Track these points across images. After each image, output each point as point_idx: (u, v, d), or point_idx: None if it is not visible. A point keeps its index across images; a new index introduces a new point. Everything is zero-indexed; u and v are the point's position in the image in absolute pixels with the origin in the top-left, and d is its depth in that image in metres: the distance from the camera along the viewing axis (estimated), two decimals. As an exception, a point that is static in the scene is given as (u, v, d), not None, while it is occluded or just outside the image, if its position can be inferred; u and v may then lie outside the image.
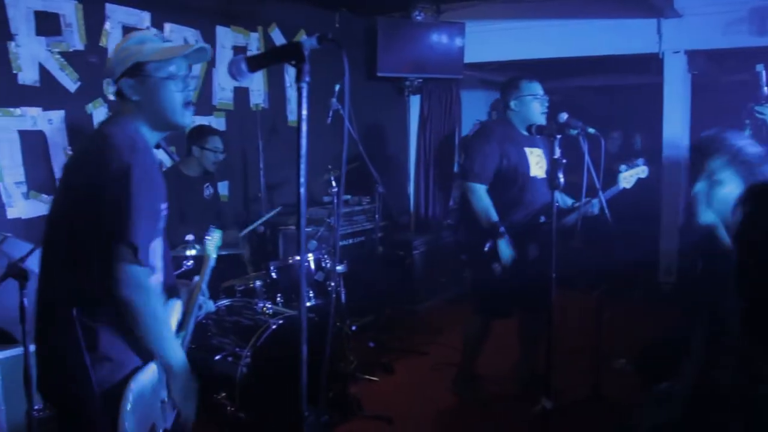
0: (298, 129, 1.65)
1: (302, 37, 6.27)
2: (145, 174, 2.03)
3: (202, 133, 4.75)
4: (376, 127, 7.29)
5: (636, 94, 8.42)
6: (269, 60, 1.74)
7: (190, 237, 3.82)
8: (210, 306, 2.64)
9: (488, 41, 7.15)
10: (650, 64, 6.97)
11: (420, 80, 7.37)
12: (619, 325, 5.19)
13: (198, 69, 5.39)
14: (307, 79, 1.66)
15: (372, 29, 6.96)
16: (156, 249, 2.20)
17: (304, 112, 1.64)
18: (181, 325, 2.43)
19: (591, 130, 3.75)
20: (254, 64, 1.74)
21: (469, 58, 7.16)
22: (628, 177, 4.30)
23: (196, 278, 2.63)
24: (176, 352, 2.18)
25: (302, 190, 1.68)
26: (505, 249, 4.04)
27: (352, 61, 7.11)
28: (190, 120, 2.25)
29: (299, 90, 1.65)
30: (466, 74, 7.52)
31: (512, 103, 4.20)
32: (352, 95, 5.52)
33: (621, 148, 7.56)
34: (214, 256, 2.76)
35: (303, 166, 1.65)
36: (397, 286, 6.42)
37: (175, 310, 2.40)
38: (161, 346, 2.12)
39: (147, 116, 2.18)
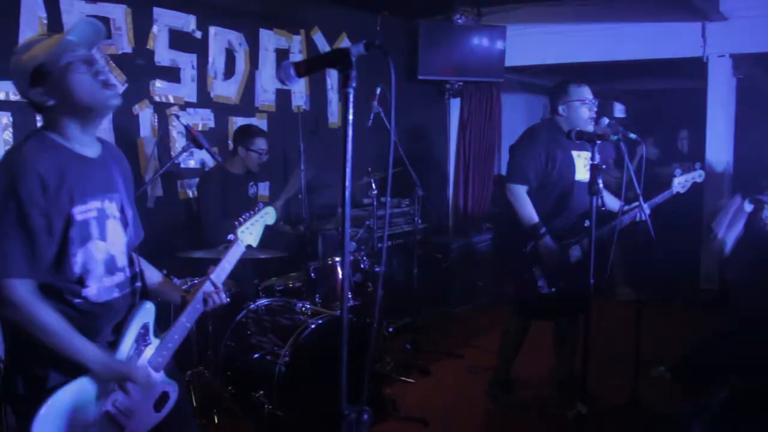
0: (344, 133, 1.68)
1: (344, 40, 6.34)
2: (7, 198, 1.98)
3: (248, 133, 4.80)
4: (416, 130, 7.31)
5: (680, 98, 8.33)
6: (317, 65, 1.77)
7: (231, 236, 3.87)
8: (220, 299, 2.51)
9: (529, 44, 7.14)
10: (694, 68, 6.90)
11: (460, 83, 7.38)
12: (659, 333, 5.15)
13: (218, 58, 5.48)
14: (354, 84, 1.68)
15: (413, 32, 6.99)
16: (90, 254, 2.16)
17: (351, 117, 1.66)
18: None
19: (632, 136, 3.73)
20: (302, 69, 1.77)
21: (510, 62, 7.16)
22: (683, 181, 4.26)
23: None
24: (86, 354, 2.11)
25: (347, 193, 1.71)
26: (548, 250, 4.02)
27: (394, 63, 7.17)
28: (117, 100, 2.18)
29: (346, 95, 1.67)
30: (507, 77, 7.51)
31: (560, 108, 4.17)
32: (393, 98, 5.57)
33: (664, 152, 7.45)
34: (247, 243, 2.66)
35: (348, 170, 1.68)
36: (435, 288, 6.44)
37: (144, 314, 2.35)
38: (69, 353, 2.08)
39: (70, 113, 2.12)
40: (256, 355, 3.95)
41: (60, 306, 2.11)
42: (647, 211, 3.98)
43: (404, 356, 5.26)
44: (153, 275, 2.62)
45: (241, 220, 2.61)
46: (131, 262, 2.38)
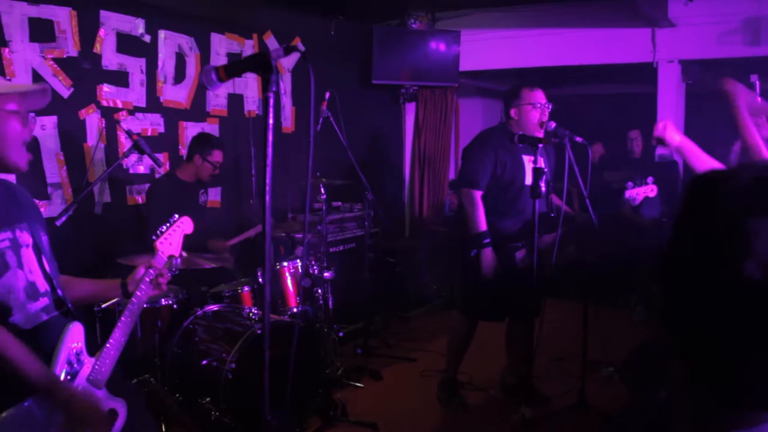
0: (265, 138, 1.67)
1: (298, 45, 6.32)
2: None
3: (209, 143, 4.76)
4: (371, 134, 7.33)
5: (632, 102, 8.45)
6: (239, 69, 1.77)
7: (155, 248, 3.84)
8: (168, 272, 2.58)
9: (483, 49, 7.19)
10: (646, 74, 7.00)
11: (415, 88, 7.41)
12: (610, 333, 5.20)
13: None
14: (274, 88, 1.68)
15: (368, 37, 7.00)
16: (10, 284, 2.16)
17: (271, 121, 1.66)
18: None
19: (578, 139, 3.77)
20: (224, 73, 1.77)
21: (464, 66, 7.20)
22: (635, 195, 4.28)
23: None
24: (33, 370, 2.09)
25: (267, 198, 1.70)
26: (487, 261, 4.06)
27: (348, 68, 7.21)
28: (26, 164, 2.23)
29: (266, 99, 1.67)
30: (462, 82, 7.56)
31: (512, 111, 4.19)
32: (347, 102, 5.61)
33: (614, 155, 7.53)
34: (168, 254, 2.65)
35: (269, 176, 1.68)
36: (388, 292, 6.44)
37: (72, 335, 2.31)
38: (15, 369, 2.06)
39: None
40: (203, 362, 3.92)
41: None
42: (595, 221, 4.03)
43: (355, 361, 5.25)
44: (84, 285, 2.61)
45: (158, 233, 2.61)
46: (53, 286, 2.35)
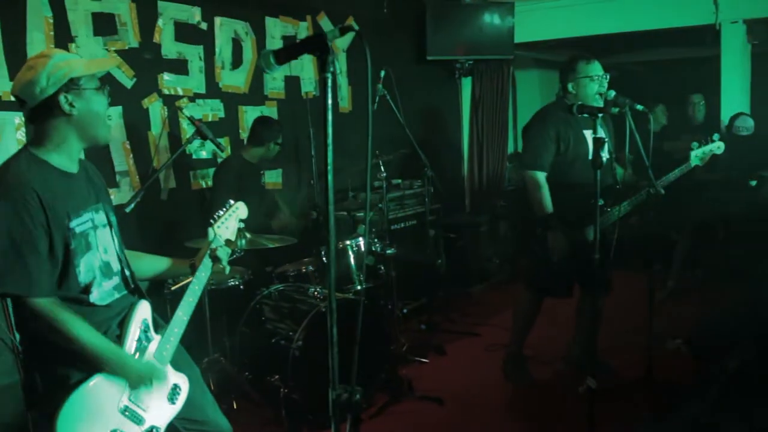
0: (324, 120, 1.69)
1: (352, 24, 6.33)
2: (10, 217, 2.10)
3: (278, 130, 5.00)
4: (428, 111, 7.31)
5: (693, 67, 8.22)
6: (295, 52, 1.79)
7: (241, 224, 3.92)
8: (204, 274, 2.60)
9: (539, 20, 7.10)
10: (707, 36, 6.79)
11: (471, 62, 7.34)
12: (679, 304, 5.13)
13: (248, 60, 5.51)
14: (332, 69, 1.70)
15: (421, 13, 6.96)
16: (90, 263, 2.29)
17: (329, 102, 1.68)
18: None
19: (639, 107, 3.69)
20: (281, 56, 1.80)
21: (519, 38, 7.12)
22: (701, 153, 4.21)
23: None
24: (121, 361, 2.26)
25: (330, 177, 1.73)
26: (556, 243, 4.01)
27: (402, 45, 7.17)
28: (110, 134, 2.39)
29: (324, 80, 1.69)
30: (518, 54, 7.46)
31: (569, 85, 4.11)
32: (402, 79, 5.59)
33: (674, 123, 7.30)
34: (225, 238, 2.70)
35: (330, 156, 1.70)
36: (450, 268, 6.45)
37: (141, 312, 2.45)
38: (103, 363, 2.22)
39: (78, 129, 2.25)
40: (270, 341, 4.01)
41: (71, 308, 2.21)
42: (661, 189, 3.95)
43: (419, 337, 5.29)
44: (154, 262, 2.73)
45: (215, 217, 2.68)
46: (123, 266, 2.49)
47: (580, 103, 3.57)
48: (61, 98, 2.19)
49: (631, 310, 4.37)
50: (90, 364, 2.21)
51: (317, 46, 1.69)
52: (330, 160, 1.71)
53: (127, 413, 2.30)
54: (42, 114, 2.23)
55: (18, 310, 2.21)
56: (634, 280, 4.24)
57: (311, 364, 3.79)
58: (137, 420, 2.33)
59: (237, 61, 5.48)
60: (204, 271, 2.57)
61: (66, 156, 2.28)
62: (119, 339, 2.36)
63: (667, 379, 4.20)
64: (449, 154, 7.72)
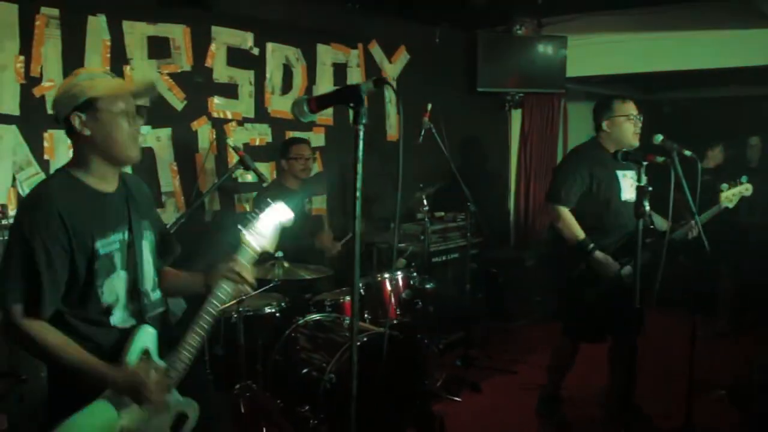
0: (354, 171, 1.69)
1: (403, 54, 6.36)
2: (24, 233, 2.12)
3: (283, 146, 4.93)
4: (476, 142, 7.28)
5: (750, 106, 8.03)
6: (330, 102, 1.81)
7: (279, 254, 3.94)
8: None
9: (592, 54, 6.99)
10: (765, 76, 6.63)
11: (521, 95, 7.29)
12: (727, 350, 4.97)
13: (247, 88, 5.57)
14: (364, 121, 1.70)
15: (472, 44, 6.95)
16: (114, 285, 2.28)
17: (360, 155, 1.68)
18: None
19: (687, 153, 3.62)
20: (315, 105, 1.81)
21: (572, 72, 7.04)
22: (731, 196, 4.15)
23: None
24: (100, 368, 2.19)
25: (357, 223, 1.72)
26: (602, 262, 3.95)
27: (452, 75, 7.17)
28: (139, 154, 2.33)
29: (356, 132, 1.69)
30: (571, 88, 7.38)
31: (604, 124, 4.10)
32: (451, 110, 5.57)
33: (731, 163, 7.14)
34: (260, 247, 2.51)
35: (358, 206, 1.70)
36: (489, 303, 6.38)
37: (143, 338, 2.37)
38: (85, 372, 2.17)
39: (99, 150, 2.25)
40: (303, 370, 4.00)
41: (87, 329, 2.24)
42: (696, 229, 3.89)
43: (455, 372, 5.22)
44: (173, 278, 2.67)
45: (247, 220, 2.51)
46: (154, 287, 2.48)
47: (624, 150, 3.51)
48: (74, 119, 2.20)
49: (674, 355, 4.25)
50: (86, 386, 2.19)
51: (351, 97, 1.70)
52: (358, 211, 1.70)
53: None
54: (68, 133, 2.26)
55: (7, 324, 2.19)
56: (678, 323, 4.13)
57: (342, 397, 3.77)
58: None
59: (287, 87, 5.55)
60: (218, 298, 2.42)
61: (97, 175, 2.29)
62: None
63: (707, 429, 4.08)
64: (496, 187, 7.66)
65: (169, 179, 4.81)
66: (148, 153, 4.69)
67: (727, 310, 6.31)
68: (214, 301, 2.42)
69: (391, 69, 6.37)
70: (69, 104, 2.20)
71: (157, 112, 4.70)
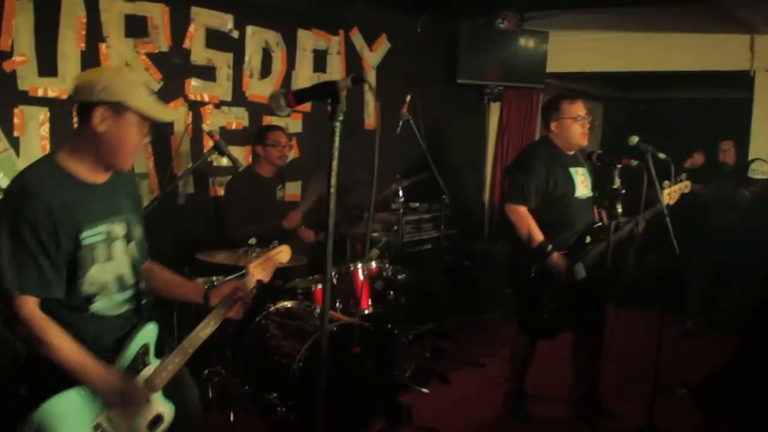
0: (329, 167, 1.68)
1: (384, 42, 6.33)
2: (14, 222, 2.11)
3: (259, 132, 4.88)
4: (453, 133, 7.27)
5: (724, 108, 8.13)
6: (307, 97, 1.80)
7: (253, 240, 3.92)
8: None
9: (572, 51, 7.05)
10: (740, 80, 6.71)
11: (501, 88, 7.30)
12: (686, 350, 5.03)
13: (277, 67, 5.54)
14: (341, 118, 1.69)
15: (454, 35, 6.95)
16: (98, 275, 2.29)
17: (336, 152, 1.67)
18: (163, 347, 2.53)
19: (661, 155, 3.66)
20: (293, 100, 1.79)
21: (552, 68, 7.07)
22: (672, 192, 4.20)
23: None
24: (94, 376, 2.21)
25: (330, 221, 1.72)
26: (558, 265, 3.97)
27: (433, 66, 7.13)
28: (130, 166, 2.37)
29: (332, 129, 1.68)
30: (550, 83, 7.42)
31: (552, 125, 4.13)
32: (430, 100, 5.55)
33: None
34: (257, 279, 2.74)
35: (333, 202, 1.69)
36: (461, 295, 6.40)
37: (145, 335, 2.46)
38: (77, 374, 2.19)
39: (101, 148, 2.25)
40: (272, 358, 4.00)
41: (69, 315, 2.25)
42: (641, 225, 3.92)
43: (424, 363, 5.24)
44: (168, 279, 2.72)
45: (256, 254, 2.74)
46: (140, 279, 2.50)
47: (598, 152, 3.55)
48: (98, 111, 2.20)
49: (641, 354, 4.29)
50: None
51: (328, 94, 1.69)
52: (332, 207, 1.70)
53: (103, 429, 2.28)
54: (80, 117, 2.26)
55: (6, 314, 2.21)
56: (645, 321, 4.18)
57: (310, 386, 3.78)
58: None
59: (266, 71, 5.50)
60: (218, 316, 2.57)
61: (89, 167, 2.29)
62: (115, 355, 2.35)
63: (669, 429, 4.14)
64: (471, 179, 7.68)
65: (142, 160, 4.76)
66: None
67: (695, 309, 6.39)
68: (214, 318, 2.55)
69: (372, 57, 6.34)
70: (100, 96, 2.19)
71: (132, 93, 4.64)
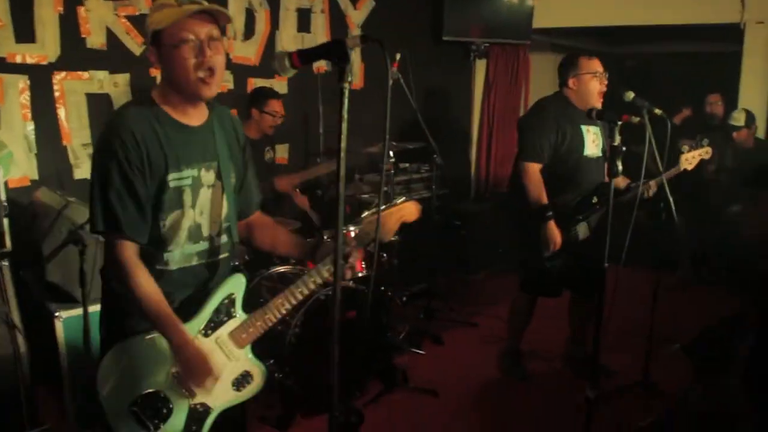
0: (339, 130, 1.62)
1: (369, 1, 6.20)
2: (107, 158, 2.06)
3: (261, 95, 4.77)
4: (440, 92, 7.18)
5: (713, 61, 8.08)
6: (313, 57, 1.71)
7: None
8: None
9: (559, 6, 6.95)
10: (730, 33, 6.66)
11: (486, 44, 7.19)
12: (679, 307, 5.06)
13: (259, 32, 5.41)
14: (350, 79, 1.62)
15: (439, -9, 6.82)
16: (177, 221, 2.19)
17: (345, 114, 1.60)
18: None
19: (657, 111, 3.61)
20: (298, 60, 1.72)
21: (538, 23, 6.98)
22: (690, 158, 4.18)
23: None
24: (169, 330, 2.15)
25: (341, 186, 1.67)
26: (551, 235, 3.97)
27: (418, 24, 6.99)
28: (210, 91, 2.12)
29: (341, 90, 1.61)
30: (536, 38, 7.32)
31: (570, 81, 4.08)
32: (416, 59, 5.45)
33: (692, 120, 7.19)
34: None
35: (342, 170, 1.64)
36: (452, 255, 6.39)
37: (231, 285, 2.35)
38: (155, 322, 2.14)
39: (173, 85, 2.13)
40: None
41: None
42: (653, 189, 3.99)
43: (418, 325, 5.24)
44: (272, 233, 2.60)
45: (372, 210, 2.46)
46: (220, 232, 2.34)
47: (598, 109, 3.48)
48: (150, 53, 2.13)
49: (636, 309, 4.31)
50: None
51: (336, 53, 1.61)
52: (342, 172, 1.64)
53: (175, 379, 2.22)
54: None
55: (105, 253, 2.18)
56: (638, 279, 4.19)
57: (307, 352, 3.76)
58: (186, 390, 2.24)
59: (249, 32, 5.36)
60: (321, 275, 2.36)
61: (178, 107, 2.18)
62: (191, 308, 2.26)
63: (664, 385, 4.19)
64: (458, 138, 7.60)
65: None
66: (105, 99, 4.52)
67: (686, 263, 6.42)
68: (316, 277, 2.37)
69: (356, 15, 6.20)
70: (148, 35, 2.11)
71: (114, 57, 4.52)
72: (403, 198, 2.44)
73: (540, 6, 6.86)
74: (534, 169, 4.04)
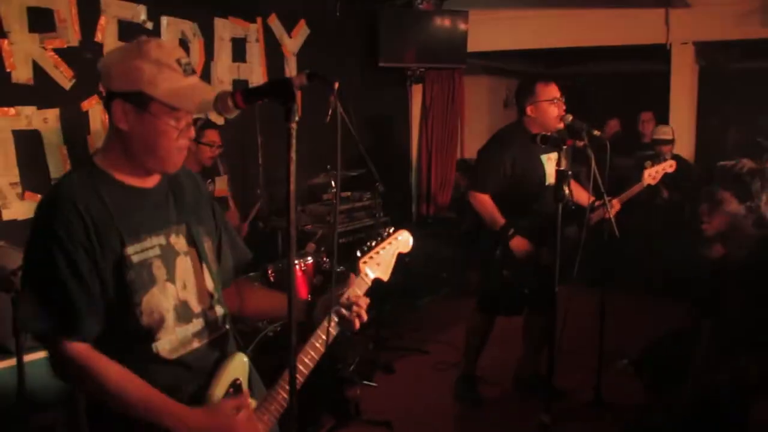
0: (288, 175, 1.55)
1: (303, 28, 6.16)
2: (44, 239, 1.71)
3: (196, 126, 4.66)
4: (378, 118, 7.18)
5: (644, 82, 8.30)
6: (258, 96, 1.65)
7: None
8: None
9: (492, 30, 7.05)
10: (657, 54, 6.86)
11: (422, 69, 7.23)
12: (626, 324, 5.10)
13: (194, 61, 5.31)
14: (296, 118, 1.56)
15: (374, 18, 6.82)
16: (157, 302, 1.81)
17: (293, 155, 1.54)
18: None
19: (596, 133, 3.65)
20: (241, 100, 1.65)
21: (472, 47, 7.05)
22: (654, 173, 4.23)
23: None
24: (175, 416, 1.76)
25: (291, 228, 1.60)
26: (519, 246, 3.99)
27: (353, 50, 6.98)
28: (178, 166, 1.88)
29: (289, 131, 1.54)
30: (470, 62, 7.40)
31: (528, 109, 4.07)
32: (352, 86, 5.40)
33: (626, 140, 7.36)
34: (374, 276, 2.20)
35: (293, 219, 1.58)
36: (397, 281, 6.32)
37: (233, 369, 1.95)
38: (152, 416, 1.75)
39: (133, 150, 1.80)
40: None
41: (133, 363, 1.78)
42: (616, 207, 4.02)
43: (367, 355, 5.16)
44: (259, 298, 2.28)
45: (364, 248, 2.16)
46: (212, 304, 1.97)
47: (544, 134, 3.50)
48: (116, 106, 1.75)
49: (585, 329, 4.34)
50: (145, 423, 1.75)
51: (282, 92, 1.55)
52: (293, 217, 1.58)
53: None
54: (106, 109, 1.79)
55: (49, 358, 1.79)
56: (588, 297, 4.21)
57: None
58: None
59: (184, 63, 5.25)
60: (326, 332, 2.06)
61: (130, 170, 1.83)
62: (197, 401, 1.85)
63: (614, 401, 4.21)
64: (397, 163, 7.61)
65: (59, 164, 4.47)
66: (34, 136, 4.34)
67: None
68: (324, 336, 2.05)
69: (291, 44, 6.16)
70: (117, 84, 1.75)
71: (42, 92, 4.34)
72: (392, 228, 2.25)
73: (473, 30, 6.92)
74: (482, 198, 4.07)
